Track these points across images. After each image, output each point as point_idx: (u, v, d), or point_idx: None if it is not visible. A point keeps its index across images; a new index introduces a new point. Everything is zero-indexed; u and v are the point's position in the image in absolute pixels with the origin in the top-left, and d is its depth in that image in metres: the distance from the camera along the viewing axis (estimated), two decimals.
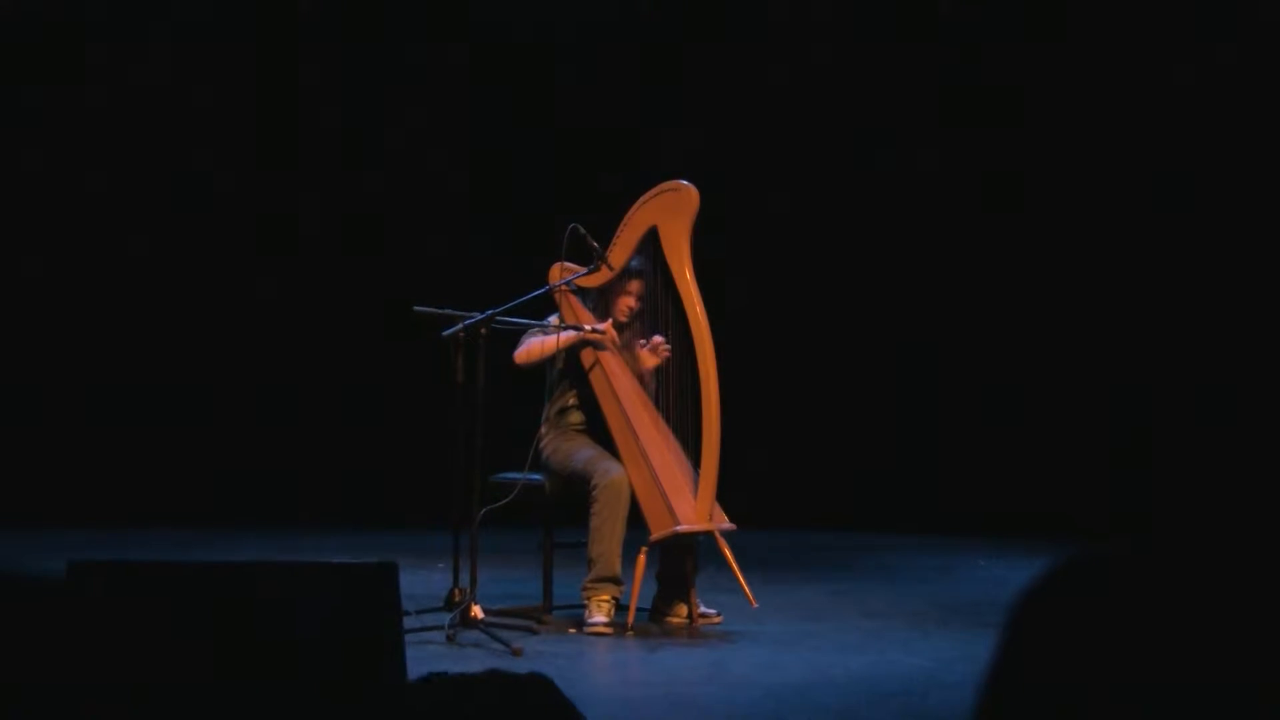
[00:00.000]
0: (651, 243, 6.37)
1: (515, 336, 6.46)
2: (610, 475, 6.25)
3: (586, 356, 6.49)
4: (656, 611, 6.51)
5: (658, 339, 6.42)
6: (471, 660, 5.56)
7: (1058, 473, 9.40)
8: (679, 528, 6.18)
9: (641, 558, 6.26)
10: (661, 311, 6.41)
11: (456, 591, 6.10)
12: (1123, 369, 9.37)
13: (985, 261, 9.76)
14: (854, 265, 9.98)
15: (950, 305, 9.84)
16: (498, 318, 6.22)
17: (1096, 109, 9.46)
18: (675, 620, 6.46)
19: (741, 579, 6.21)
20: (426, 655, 5.49)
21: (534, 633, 6.13)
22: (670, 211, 6.32)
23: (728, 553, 6.20)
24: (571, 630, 6.27)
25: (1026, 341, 9.65)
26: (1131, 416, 9.31)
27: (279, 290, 9.95)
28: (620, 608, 6.30)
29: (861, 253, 9.97)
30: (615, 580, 6.27)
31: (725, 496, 6.33)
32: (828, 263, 10.01)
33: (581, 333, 6.43)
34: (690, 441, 6.35)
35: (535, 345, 6.44)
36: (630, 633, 6.21)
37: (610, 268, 6.39)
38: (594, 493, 6.25)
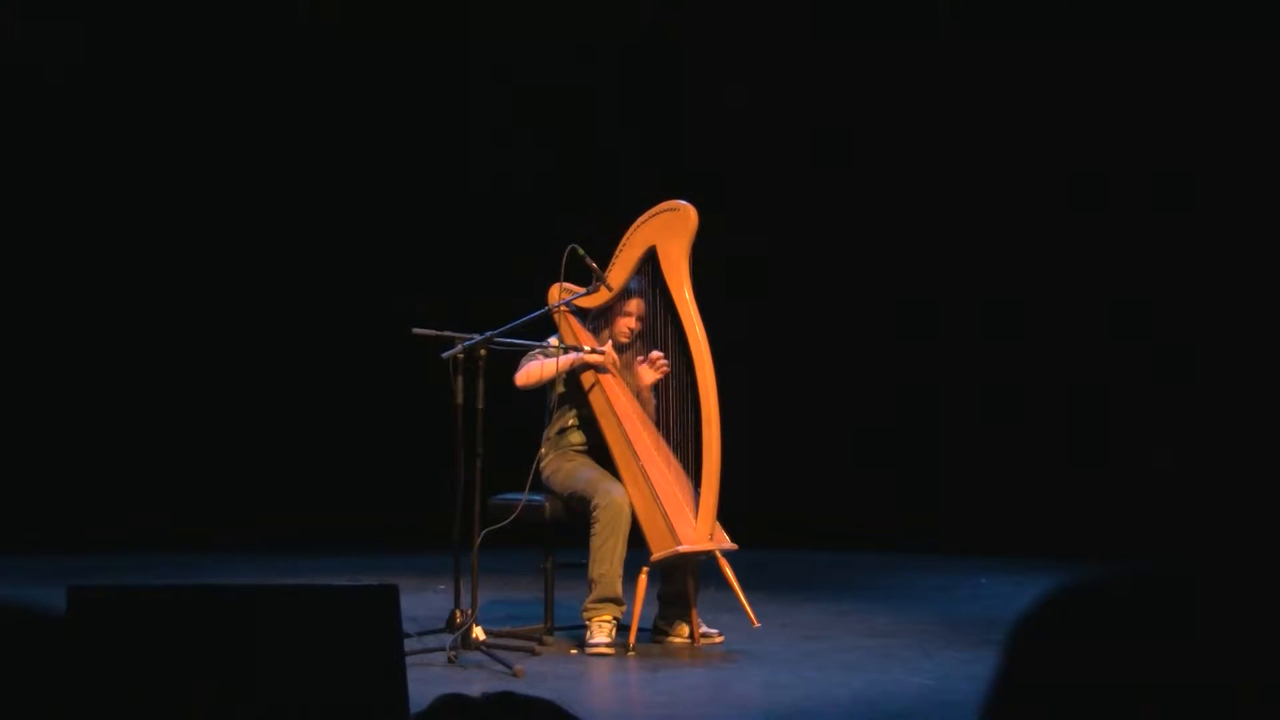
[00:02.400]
0: (650, 263, 6.38)
1: (514, 357, 6.46)
2: (611, 495, 6.25)
3: (586, 377, 6.49)
4: (658, 632, 6.50)
5: (655, 354, 6.43)
6: (473, 682, 5.55)
7: (1059, 488, 9.37)
8: (680, 548, 6.17)
9: (643, 578, 6.26)
10: (661, 331, 6.42)
11: (457, 613, 6.09)
12: (1124, 376, 9.36)
13: (987, 277, 9.76)
14: (853, 277, 9.97)
15: (952, 315, 9.83)
16: (496, 339, 6.22)
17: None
18: (677, 640, 6.45)
19: (743, 599, 6.21)
20: (428, 677, 5.48)
21: (535, 654, 6.13)
22: (669, 231, 6.33)
23: (729, 572, 6.20)
24: (573, 651, 6.26)
25: (1026, 355, 9.64)
26: (1134, 427, 9.29)
27: (279, 310, 9.95)
28: (622, 628, 6.29)
29: (860, 265, 9.96)
30: (617, 601, 6.26)
31: (725, 516, 6.32)
32: (825, 279, 10.00)
33: (581, 355, 6.43)
34: (691, 461, 6.34)
35: (535, 368, 6.44)
36: (632, 653, 6.20)
37: (609, 288, 6.40)
38: (595, 513, 6.25)
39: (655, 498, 6.24)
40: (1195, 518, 8.66)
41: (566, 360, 6.43)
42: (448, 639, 6.00)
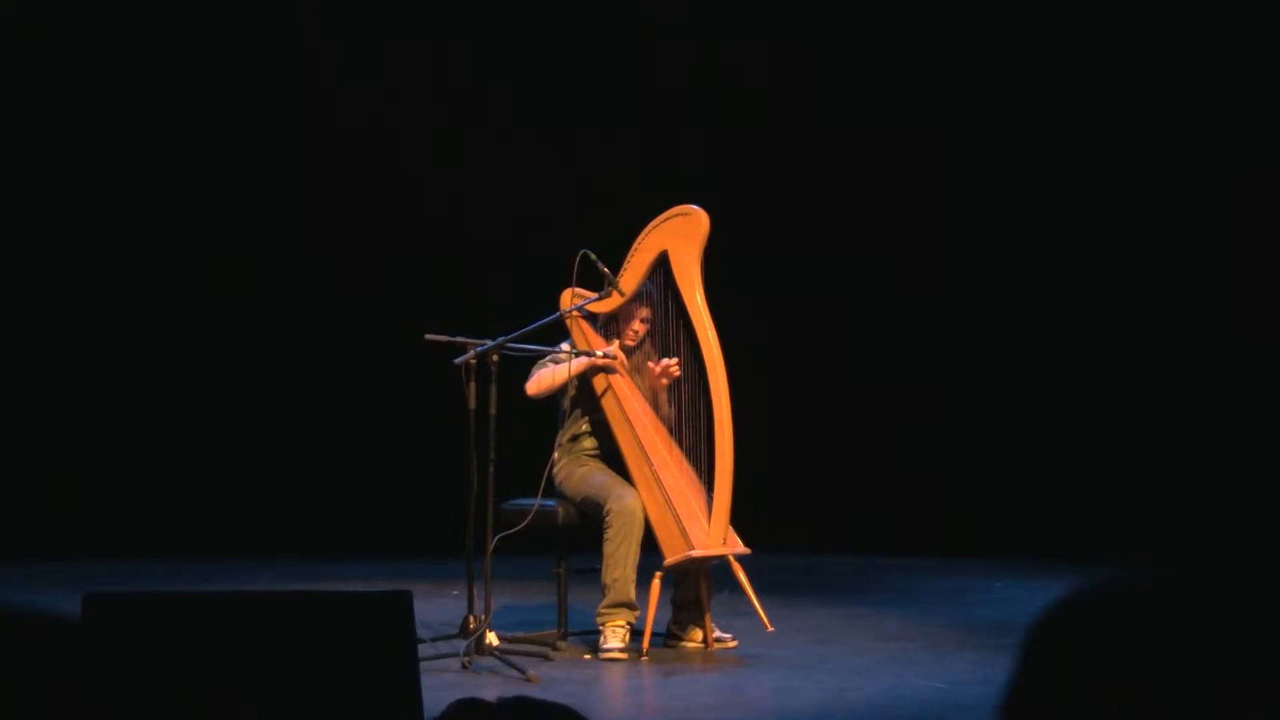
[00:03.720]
0: (662, 267, 6.38)
1: (527, 363, 6.46)
2: (624, 500, 6.25)
3: (598, 382, 6.49)
4: (671, 636, 6.50)
5: (666, 361, 6.43)
6: (487, 688, 5.55)
7: (1070, 491, 9.36)
8: (693, 553, 6.17)
9: (656, 583, 6.26)
10: (673, 336, 6.42)
11: (471, 618, 6.09)
12: (1132, 376, 9.34)
13: (991, 276, 9.74)
14: (857, 277, 9.95)
15: (959, 314, 9.81)
16: (508, 344, 6.23)
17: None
18: (690, 645, 6.45)
19: (756, 603, 6.21)
20: (442, 683, 5.49)
21: (549, 659, 6.13)
22: (681, 236, 6.33)
23: (742, 577, 6.20)
24: (586, 656, 6.26)
25: (1034, 355, 9.62)
26: (1145, 429, 9.27)
27: (294, 316, 9.96)
28: (635, 633, 6.29)
29: (863, 265, 9.94)
30: (630, 605, 6.26)
31: (738, 521, 6.32)
32: (830, 279, 9.99)
33: (591, 359, 6.43)
34: (704, 466, 6.34)
35: (545, 375, 6.43)
36: (645, 658, 6.20)
37: (621, 293, 6.40)
38: (608, 518, 6.25)
39: (668, 502, 6.24)
40: (1207, 520, 8.64)
41: (577, 365, 6.43)
42: (461, 644, 6.01)
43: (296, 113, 10.05)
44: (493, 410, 6.11)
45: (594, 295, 6.47)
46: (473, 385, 6.12)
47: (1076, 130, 9.51)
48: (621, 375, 6.48)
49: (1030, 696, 1.29)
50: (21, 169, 9.70)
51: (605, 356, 6.43)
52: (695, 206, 6.35)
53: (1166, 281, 9.28)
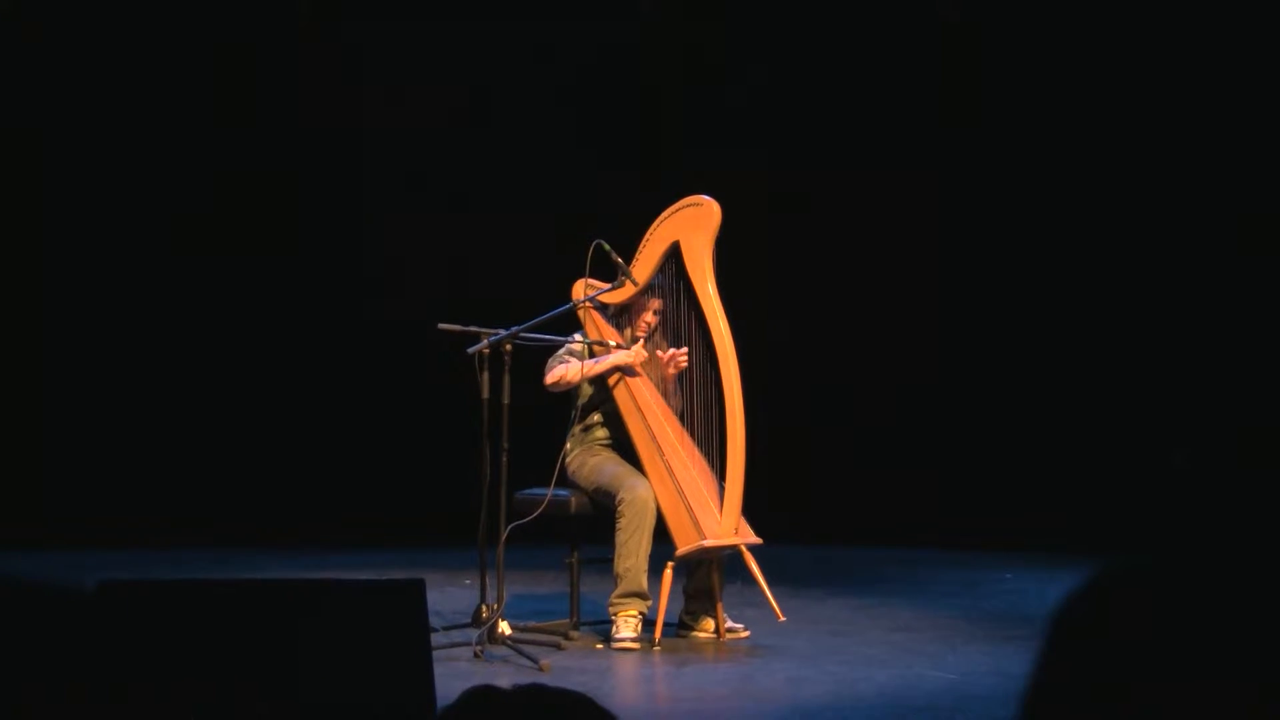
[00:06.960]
0: (674, 258, 6.38)
1: (540, 353, 6.46)
2: (636, 490, 6.26)
3: (612, 373, 6.50)
4: (683, 626, 6.51)
5: (674, 350, 6.43)
6: (499, 677, 5.56)
7: (1079, 484, 9.34)
8: (705, 543, 6.18)
9: (668, 572, 6.27)
10: (685, 326, 6.42)
11: (484, 608, 6.11)
12: (1139, 373, 9.33)
13: (998, 273, 9.74)
14: (865, 273, 9.94)
15: (966, 311, 9.81)
16: (522, 334, 6.23)
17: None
18: (702, 635, 6.46)
19: (768, 593, 6.22)
20: (454, 672, 5.50)
21: (561, 649, 6.14)
22: (692, 226, 6.33)
23: (754, 567, 6.20)
24: (599, 645, 6.27)
25: (1039, 352, 9.61)
26: (1155, 424, 9.25)
27: (307, 307, 9.97)
28: (647, 623, 6.30)
29: (869, 263, 9.93)
30: (642, 595, 6.27)
31: (750, 511, 6.32)
32: (846, 271, 9.98)
33: (611, 359, 6.42)
34: (716, 456, 6.35)
35: (562, 371, 6.42)
36: (657, 648, 6.21)
37: (634, 283, 6.40)
38: (620, 508, 6.26)
39: (680, 492, 6.25)
40: (1213, 516, 8.63)
41: (600, 366, 6.43)
42: (474, 634, 6.02)
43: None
44: (505, 400, 6.12)
45: (607, 286, 6.47)
46: (486, 375, 6.13)
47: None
48: (636, 369, 6.49)
49: (1054, 684, 1.29)
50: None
51: (621, 350, 6.43)
52: (707, 197, 6.35)
53: (1170, 281, 9.26)
